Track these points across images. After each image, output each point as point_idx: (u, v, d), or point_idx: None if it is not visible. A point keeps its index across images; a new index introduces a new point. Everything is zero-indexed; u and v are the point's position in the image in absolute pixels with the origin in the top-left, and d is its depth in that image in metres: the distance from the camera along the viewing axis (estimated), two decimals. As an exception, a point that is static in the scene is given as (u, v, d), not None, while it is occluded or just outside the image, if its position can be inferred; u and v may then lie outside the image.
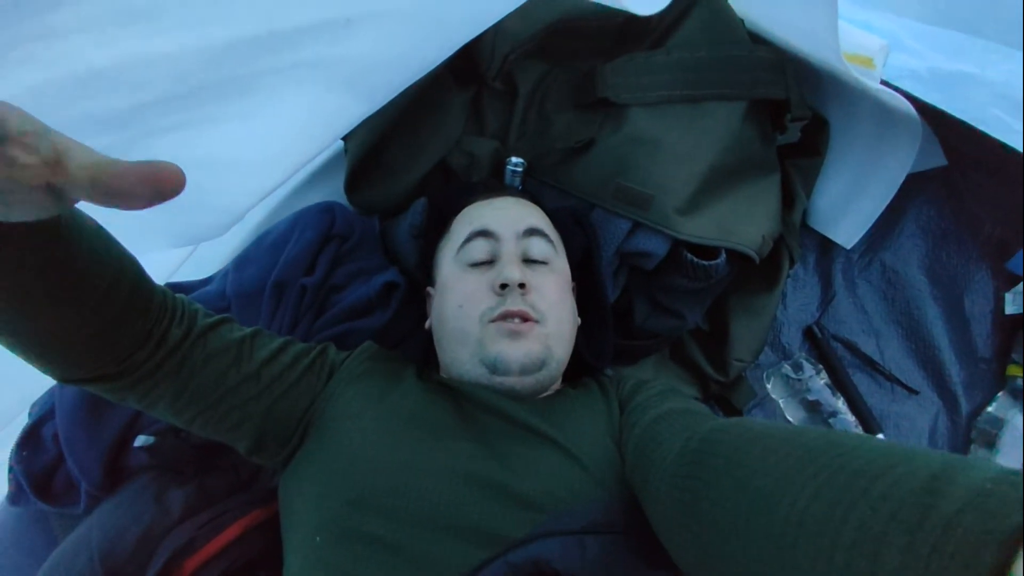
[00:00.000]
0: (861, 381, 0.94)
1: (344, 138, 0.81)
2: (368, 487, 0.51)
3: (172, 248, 0.60)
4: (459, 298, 0.62)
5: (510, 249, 0.63)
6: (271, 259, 0.76)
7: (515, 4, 0.52)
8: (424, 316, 0.74)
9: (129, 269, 0.46)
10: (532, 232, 0.65)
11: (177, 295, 0.55)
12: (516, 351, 0.57)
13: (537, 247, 0.65)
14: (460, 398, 0.59)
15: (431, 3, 0.46)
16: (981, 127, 0.72)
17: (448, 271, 0.67)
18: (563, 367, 0.64)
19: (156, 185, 0.29)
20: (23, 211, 0.31)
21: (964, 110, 0.74)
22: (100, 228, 0.43)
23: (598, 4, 0.44)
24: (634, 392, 0.62)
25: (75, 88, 0.28)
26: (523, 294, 0.60)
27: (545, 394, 0.63)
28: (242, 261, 0.78)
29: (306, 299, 0.74)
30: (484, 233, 0.65)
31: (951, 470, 0.27)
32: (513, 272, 0.59)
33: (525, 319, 0.59)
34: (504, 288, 0.60)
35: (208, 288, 0.76)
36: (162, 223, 0.52)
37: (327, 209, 0.81)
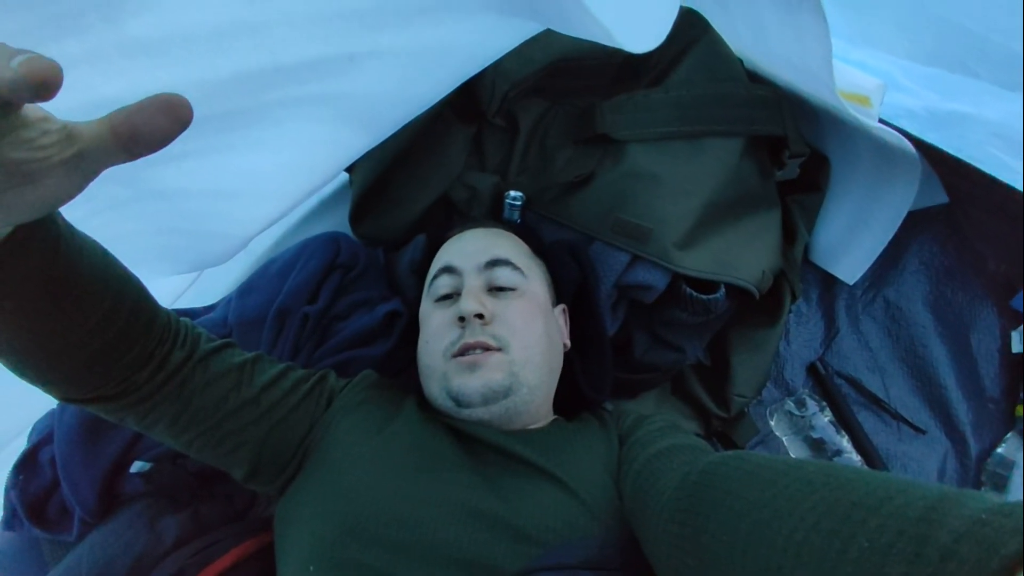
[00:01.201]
0: (867, 419, 0.93)
1: (349, 170, 0.83)
2: (364, 517, 0.50)
3: (176, 275, 0.61)
4: (427, 334, 0.64)
5: (470, 283, 0.64)
6: (275, 287, 0.77)
7: (512, 44, 0.53)
8: None
9: (132, 291, 0.47)
10: (495, 263, 0.66)
11: (182, 319, 0.55)
12: (475, 382, 0.58)
13: (502, 276, 0.65)
14: (458, 430, 0.59)
15: (431, 41, 0.48)
16: (979, 165, 0.73)
17: (422, 308, 0.69)
18: (540, 392, 0.62)
19: (172, 111, 0.29)
20: (51, 190, 0.30)
21: (961, 148, 0.74)
22: (102, 250, 0.44)
23: (594, 43, 0.46)
24: (634, 427, 0.61)
25: (81, 117, 0.29)
26: (483, 324, 0.60)
27: (540, 425, 0.63)
28: (246, 289, 0.79)
29: (308, 327, 0.75)
30: (447, 269, 0.66)
31: (948, 501, 0.27)
32: (469, 304, 0.60)
33: (486, 348, 0.59)
34: (463, 320, 0.60)
35: (211, 315, 0.76)
36: (163, 248, 0.53)
37: (332, 239, 0.83)
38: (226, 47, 0.36)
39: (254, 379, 0.57)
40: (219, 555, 0.64)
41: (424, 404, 0.64)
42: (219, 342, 0.57)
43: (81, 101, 0.34)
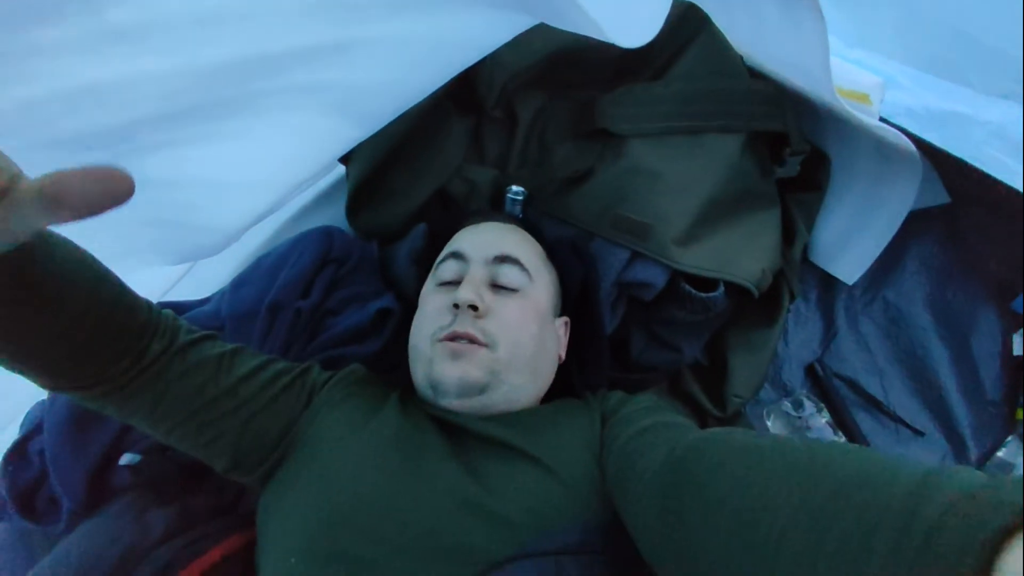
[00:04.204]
0: (864, 421, 0.92)
1: (345, 162, 0.83)
2: (346, 508, 0.50)
3: (165, 265, 0.61)
4: (421, 316, 0.64)
5: (473, 272, 0.63)
6: (268, 281, 0.77)
7: (506, 38, 0.53)
8: None
9: (107, 291, 0.47)
10: (503, 259, 0.64)
11: (164, 311, 0.55)
12: (453, 372, 0.57)
13: (507, 274, 0.64)
14: (439, 419, 0.58)
15: (422, 32, 0.47)
16: (978, 165, 0.72)
17: (424, 289, 0.68)
18: (524, 393, 0.61)
19: (108, 183, 0.28)
20: None
21: (961, 148, 0.73)
22: (78, 250, 0.44)
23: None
24: (618, 406, 0.61)
25: (64, 104, 0.28)
26: (476, 316, 0.59)
27: (524, 408, 0.62)
28: (239, 282, 0.78)
29: (300, 322, 0.74)
30: (456, 255, 0.66)
31: (935, 477, 0.28)
32: (467, 294, 0.59)
33: (471, 341, 0.58)
34: (457, 308, 0.60)
35: (204, 308, 0.76)
36: (151, 239, 0.53)
37: (326, 233, 0.82)
38: (210, 36, 0.35)
39: (232, 370, 0.57)
40: (208, 548, 0.64)
41: (408, 396, 0.64)
42: (199, 333, 0.57)
43: (67, 87, 0.33)
